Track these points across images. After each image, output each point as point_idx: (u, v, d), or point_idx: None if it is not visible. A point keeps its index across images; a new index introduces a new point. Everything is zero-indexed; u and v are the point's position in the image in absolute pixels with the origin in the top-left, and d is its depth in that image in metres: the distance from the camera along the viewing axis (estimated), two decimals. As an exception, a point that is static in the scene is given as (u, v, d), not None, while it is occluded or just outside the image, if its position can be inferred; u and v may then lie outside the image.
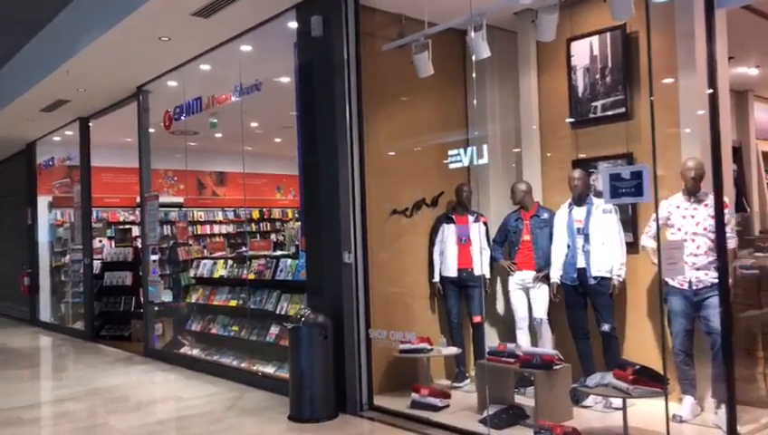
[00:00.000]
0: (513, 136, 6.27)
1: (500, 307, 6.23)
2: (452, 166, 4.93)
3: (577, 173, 5.25)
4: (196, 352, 7.55)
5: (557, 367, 4.65)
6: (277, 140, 13.43)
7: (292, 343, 5.19)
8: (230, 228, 14.65)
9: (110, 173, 13.12)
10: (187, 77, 7.57)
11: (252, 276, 6.88)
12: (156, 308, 8.48)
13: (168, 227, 14.12)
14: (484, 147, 4.78)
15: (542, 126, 5.97)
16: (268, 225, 15.25)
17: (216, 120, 9.35)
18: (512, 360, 4.84)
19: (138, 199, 14.00)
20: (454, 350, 5.64)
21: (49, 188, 12.46)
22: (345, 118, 5.40)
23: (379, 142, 5.72)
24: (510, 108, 6.27)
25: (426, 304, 6.15)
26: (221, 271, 7.42)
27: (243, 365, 6.81)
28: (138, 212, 13.68)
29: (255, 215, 15.10)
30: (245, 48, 6.67)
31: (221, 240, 10.31)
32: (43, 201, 12.50)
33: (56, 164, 11.60)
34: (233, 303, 7.14)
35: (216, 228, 14.26)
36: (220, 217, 14.57)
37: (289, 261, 6.46)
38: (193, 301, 7.84)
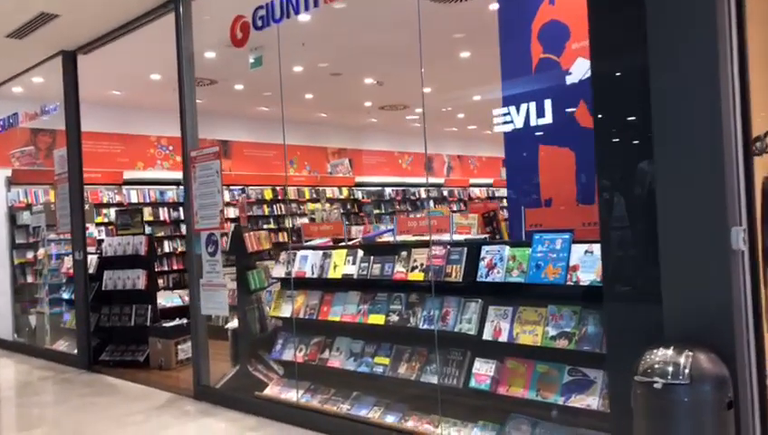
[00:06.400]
0: None
1: None
2: None
3: None
4: (302, 396, 4.76)
5: None
6: (308, 96, 10.52)
7: (658, 420, 2.53)
8: (238, 211, 11.67)
9: (87, 140, 9.89)
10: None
11: (418, 276, 4.15)
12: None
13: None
14: None
15: None
16: (282, 207, 12.37)
17: (259, 56, 6.44)
18: None
19: (125, 175, 10.94)
20: None
21: (6, 159, 9.19)
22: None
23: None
24: None
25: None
26: (343, 267, 4.63)
27: (409, 425, 4.10)
28: (126, 191, 10.56)
29: (268, 195, 12.18)
30: None
31: (334, 220, 7.38)
32: (-3, 176, 9.22)
33: (21, 122, 8.34)
34: (375, 319, 4.38)
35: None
36: (227, 197, 11.55)
37: (507, 250, 3.77)
38: (285, 315, 5.03)
